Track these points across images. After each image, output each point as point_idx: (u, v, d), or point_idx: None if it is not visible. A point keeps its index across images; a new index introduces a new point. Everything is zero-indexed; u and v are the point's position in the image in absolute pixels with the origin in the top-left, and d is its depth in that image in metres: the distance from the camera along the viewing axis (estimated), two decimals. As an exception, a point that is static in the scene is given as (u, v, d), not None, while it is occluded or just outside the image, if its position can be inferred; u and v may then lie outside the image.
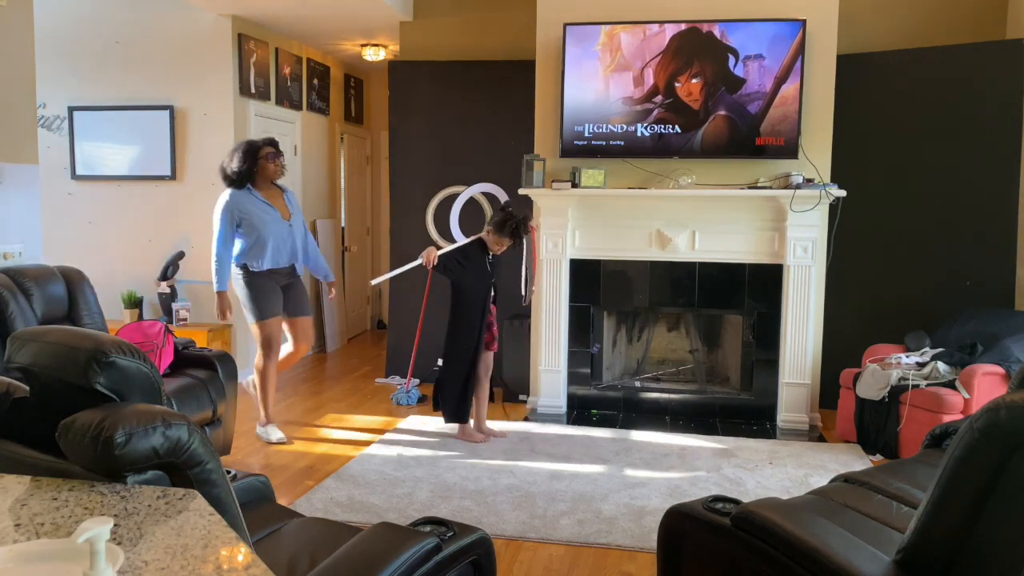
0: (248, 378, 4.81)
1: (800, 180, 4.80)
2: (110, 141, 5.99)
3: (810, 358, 5.01)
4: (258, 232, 4.40)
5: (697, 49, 4.93)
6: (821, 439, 4.82)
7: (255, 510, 2.22)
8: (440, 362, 4.75)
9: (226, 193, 4.44)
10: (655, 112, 5.01)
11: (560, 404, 5.29)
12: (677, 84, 4.97)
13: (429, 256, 4.42)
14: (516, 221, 4.47)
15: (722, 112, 4.93)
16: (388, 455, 4.37)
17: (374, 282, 5.45)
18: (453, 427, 4.78)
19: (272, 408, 4.72)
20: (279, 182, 4.62)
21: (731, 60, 4.90)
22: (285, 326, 4.68)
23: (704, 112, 4.95)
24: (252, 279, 4.46)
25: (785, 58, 4.84)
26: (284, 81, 6.61)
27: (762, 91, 4.88)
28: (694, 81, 4.96)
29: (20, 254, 4.21)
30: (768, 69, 4.87)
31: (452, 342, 4.56)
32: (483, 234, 4.56)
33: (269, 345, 4.53)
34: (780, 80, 4.85)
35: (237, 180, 4.41)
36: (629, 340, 5.67)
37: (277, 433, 4.64)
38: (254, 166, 4.43)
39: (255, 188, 4.47)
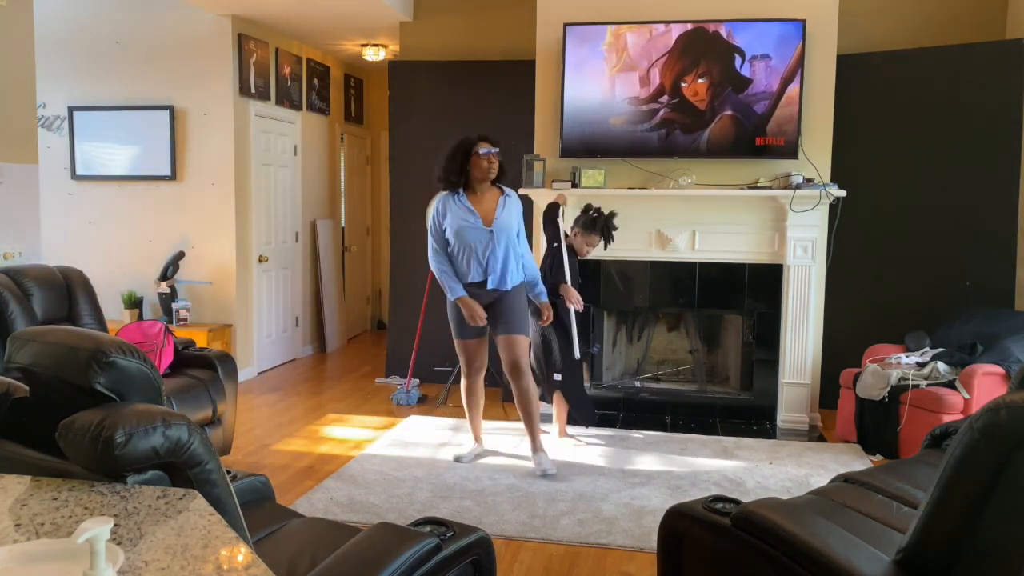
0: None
1: (800, 180, 4.80)
2: (110, 141, 5.99)
3: (810, 358, 5.01)
4: (455, 241, 3.98)
5: (703, 49, 4.93)
6: (821, 439, 4.82)
7: (255, 510, 2.22)
8: (559, 377, 4.49)
9: (436, 198, 4.10)
10: (661, 112, 5.01)
11: (560, 404, 5.28)
12: (683, 84, 4.97)
13: (571, 296, 4.37)
14: (605, 219, 4.47)
15: (728, 112, 4.93)
16: (388, 455, 4.37)
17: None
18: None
19: (480, 429, 4.37)
20: (504, 184, 4.09)
21: (737, 60, 4.90)
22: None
23: (710, 112, 4.95)
24: None
25: (791, 58, 4.84)
26: (284, 81, 6.62)
27: (769, 91, 4.88)
28: (700, 81, 4.96)
29: (20, 254, 4.21)
30: (774, 69, 4.86)
31: (568, 351, 4.45)
32: (570, 238, 4.53)
33: (466, 364, 4.20)
34: (787, 80, 4.85)
35: (447, 182, 4.00)
36: (629, 340, 5.67)
37: (478, 447, 4.34)
38: (466, 164, 3.96)
39: (468, 190, 4.02)
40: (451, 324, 4.13)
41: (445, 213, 3.99)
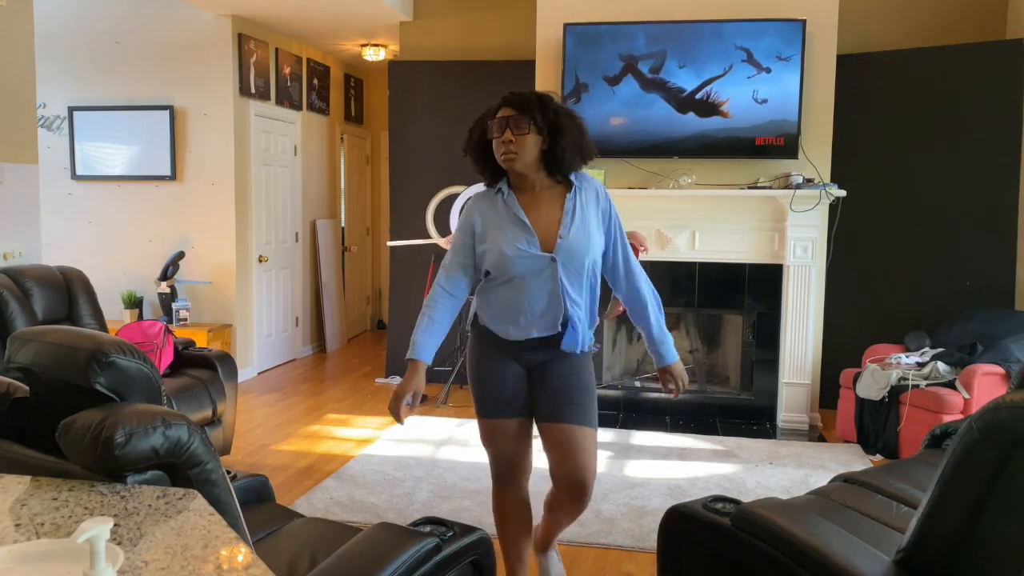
0: None
1: (800, 180, 4.80)
2: (110, 141, 5.99)
3: (810, 358, 5.01)
4: (496, 273, 2.37)
5: (699, 48, 4.93)
6: (821, 439, 4.82)
7: (255, 510, 2.22)
8: None
9: (467, 204, 2.50)
10: (657, 111, 5.01)
11: (560, 404, 5.28)
12: (679, 83, 4.97)
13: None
14: None
15: (724, 111, 4.93)
16: (388, 455, 4.37)
17: None
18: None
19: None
20: (579, 174, 2.44)
21: (735, 59, 4.90)
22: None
23: (706, 111, 4.95)
24: (477, 342, 2.50)
25: (790, 58, 4.84)
26: (284, 81, 6.61)
27: (768, 90, 4.88)
28: (696, 80, 4.96)
29: (20, 254, 4.21)
30: (773, 68, 4.86)
31: None
32: None
33: (495, 462, 2.58)
34: (787, 80, 4.85)
35: (480, 172, 2.46)
36: (629, 340, 5.66)
37: None
38: (485, 146, 2.40)
39: (514, 188, 2.41)
40: (472, 388, 2.54)
41: (477, 220, 2.40)
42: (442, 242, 5.55)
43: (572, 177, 2.42)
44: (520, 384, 2.45)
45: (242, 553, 1.20)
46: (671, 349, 2.52)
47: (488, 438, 2.53)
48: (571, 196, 2.38)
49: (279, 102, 6.55)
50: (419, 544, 1.90)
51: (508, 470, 2.57)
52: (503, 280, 2.36)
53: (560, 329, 2.36)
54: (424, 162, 6.00)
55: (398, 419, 2.31)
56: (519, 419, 2.50)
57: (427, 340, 2.35)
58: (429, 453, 4.41)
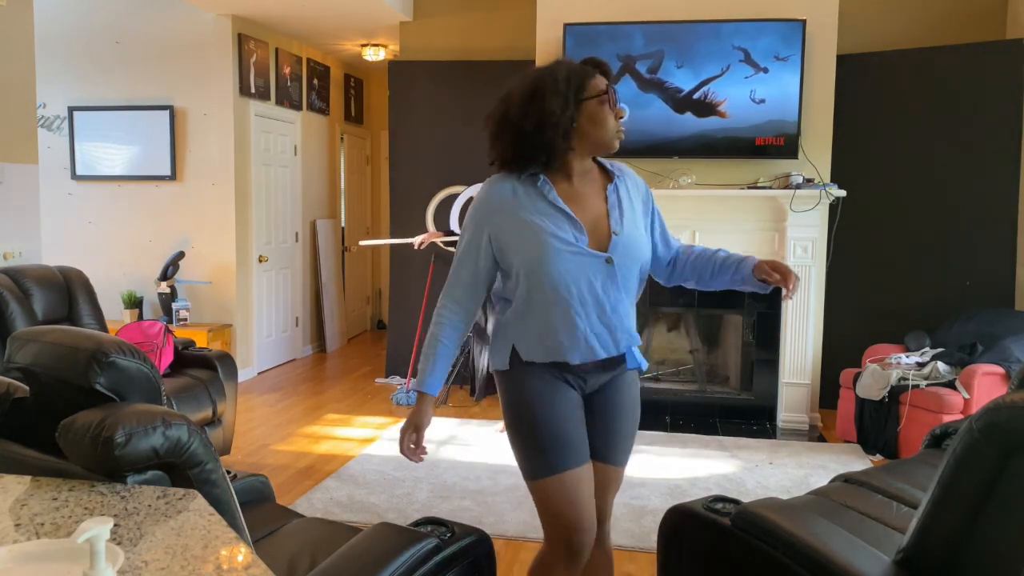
0: None
1: (800, 180, 4.80)
2: (110, 141, 5.99)
3: (810, 358, 5.01)
4: (526, 275, 1.90)
5: (698, 48, 4.93)
6: (821, 439, 4.82)
7: (255, 510, 2.22)
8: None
9: (484, 186, 1.99)
10: (656, 111, 5.01)
11: (560, 404, 5.27)
12: (676, 83, 4.97)
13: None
14: None
15: (723, 111, 4.93)
16: (388, 455, 4.37)
17: None
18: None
19: None
20: (613, 162, 2.06)
21: (733, 59, 4.90)
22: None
23: (704, 111, 4.95)
24: (523, 380, 1.98)
25: (787, 58, 4.84)
26: (284, 81, 6.61)
27: (768, 90, 4.88)
28: (693, 80, 4.96)
29: (20, 254, 4.21)
30: (771, 68, 4.86)
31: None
32: None
33: (571, 529, 1.97)
34: (787, 80, 4.85)
35: (521, 155, 1.92)
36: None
37: None
38: (576, 115, 1.90)
39: (553, 174, 1.94)
40: (516, 442, 2.04)
41: (501, 222, 1.92)
42: (416, 241, 5.54)
43: (608, 165, 2.03)
44: (582, 417, 1.99)
45: (242, 553, 1.20)
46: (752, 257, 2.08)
47: (565, 499, 1.92)
48: (612, 187, 1.97)
49: (279, 102, 6.55)
50: (419, 544, 1.90)
51: (588, 536, 1.97)
52: (540, 290, 1.88)
53: (619, 349, 1.96)
54: (424, 162, 6.00)
55: (412, 459, 1.97)
56: (588, 463, 1.99)
57: (435, 372, 1.97)
58: (429, 453, 4.40)
